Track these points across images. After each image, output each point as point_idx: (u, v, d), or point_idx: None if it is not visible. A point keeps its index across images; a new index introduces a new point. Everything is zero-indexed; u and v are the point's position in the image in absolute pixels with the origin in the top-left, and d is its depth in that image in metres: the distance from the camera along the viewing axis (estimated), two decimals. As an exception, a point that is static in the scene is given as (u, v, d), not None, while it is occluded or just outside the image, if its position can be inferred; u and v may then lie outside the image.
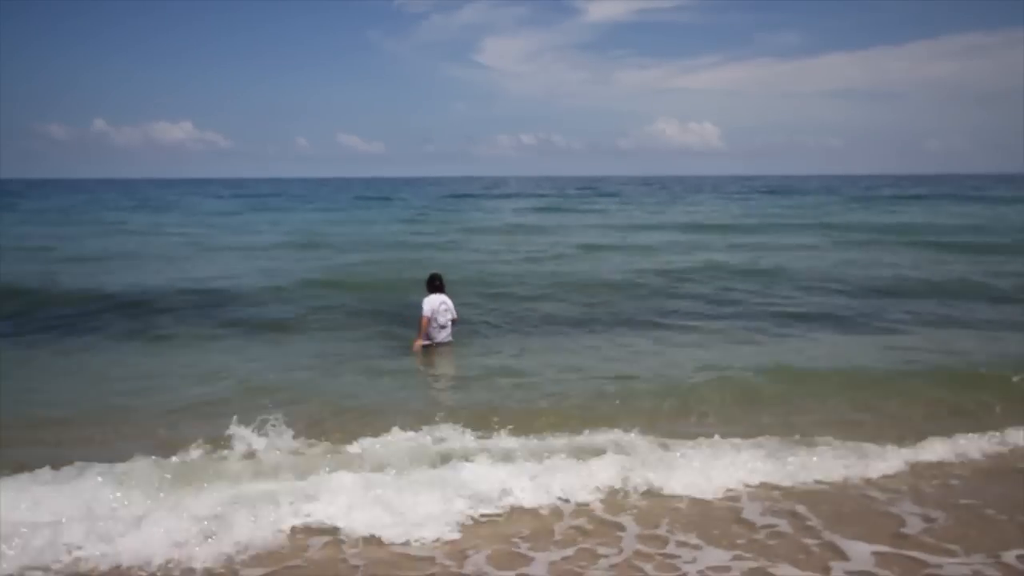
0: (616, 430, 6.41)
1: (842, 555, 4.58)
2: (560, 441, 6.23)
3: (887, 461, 6.02)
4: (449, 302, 9.68)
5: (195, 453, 5.79)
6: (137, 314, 12.30)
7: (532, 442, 6.21)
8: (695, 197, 63.78)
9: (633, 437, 6.28)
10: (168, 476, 5.37)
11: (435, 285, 9.70)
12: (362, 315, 12.28)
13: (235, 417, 6.13)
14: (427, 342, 9.59)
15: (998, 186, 79.53)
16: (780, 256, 19.73)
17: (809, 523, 5.02)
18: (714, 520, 5.09)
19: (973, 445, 6.37)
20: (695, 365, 8.87)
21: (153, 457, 5.62)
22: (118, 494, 5.10)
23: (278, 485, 5.33)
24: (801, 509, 5.22)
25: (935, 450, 6.27)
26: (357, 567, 4.49)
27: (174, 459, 5.66)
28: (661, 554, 4.64)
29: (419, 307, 9.58)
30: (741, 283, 15.24)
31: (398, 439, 6.18)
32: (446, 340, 9.69)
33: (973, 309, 12.53)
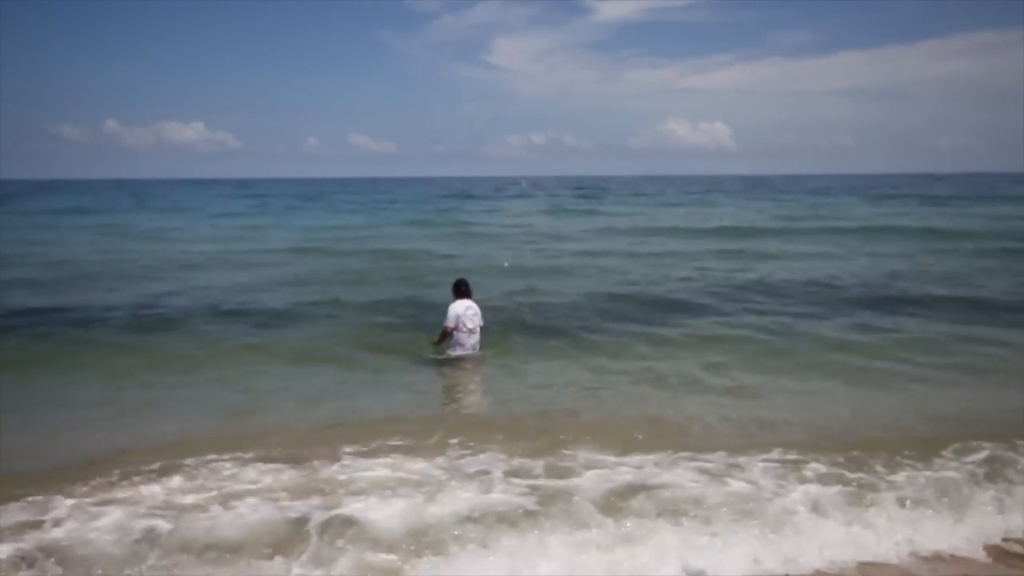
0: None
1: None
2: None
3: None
4: (476, 308, 9.15)
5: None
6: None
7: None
8: (723, 199, 59.85)
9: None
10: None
11: (462, 291, 9.20)
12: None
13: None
14: (456, 353, 9.01)
15: (1016, 185, 77.76)
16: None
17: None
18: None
19: None
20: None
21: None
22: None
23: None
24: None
25: None
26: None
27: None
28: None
29: (445, 316, 9.02)
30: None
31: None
32: (474, 350, 9.10)
33: None
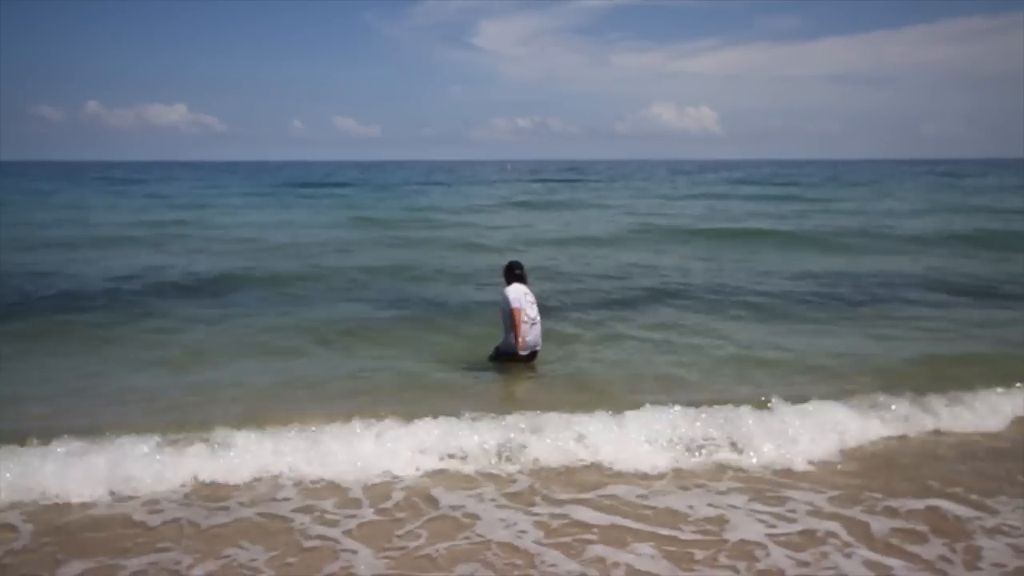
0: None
1: None
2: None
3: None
4: (533, 295, 7.84)
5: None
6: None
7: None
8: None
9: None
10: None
11: (516, 274, 7.85)
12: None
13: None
14: (515, 350, 7.67)
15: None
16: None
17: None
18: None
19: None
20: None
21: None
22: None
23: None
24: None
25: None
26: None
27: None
28: None
29: (503, 301, 7.67)
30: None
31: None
32: (537, 344, 7.83)
33: None
